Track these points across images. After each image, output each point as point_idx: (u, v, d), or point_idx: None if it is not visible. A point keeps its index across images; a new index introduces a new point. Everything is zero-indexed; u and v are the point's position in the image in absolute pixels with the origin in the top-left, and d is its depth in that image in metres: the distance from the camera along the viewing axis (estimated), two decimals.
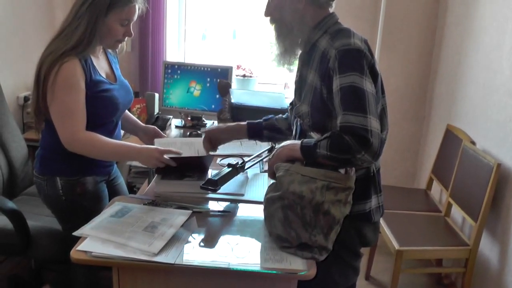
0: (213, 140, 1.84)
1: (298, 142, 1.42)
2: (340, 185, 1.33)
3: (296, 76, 1.63)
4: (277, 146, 1.50)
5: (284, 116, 1.86)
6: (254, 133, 1.85)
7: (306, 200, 1.31)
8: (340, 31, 1.48)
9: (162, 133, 2.06)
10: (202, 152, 1.84)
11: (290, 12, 1.51)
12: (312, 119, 1.50)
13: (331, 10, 1.55)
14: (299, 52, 1.59)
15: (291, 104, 1.77)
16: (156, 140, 1.94)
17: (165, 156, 1.68)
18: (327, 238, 1.34)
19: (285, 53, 1.57)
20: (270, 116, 1.87)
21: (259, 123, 1.86)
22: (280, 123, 1.84)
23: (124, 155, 1.78)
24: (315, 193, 1.31)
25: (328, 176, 1.33)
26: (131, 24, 1.77)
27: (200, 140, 1.86)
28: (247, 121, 1.87)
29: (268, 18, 1.57)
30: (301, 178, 1.34)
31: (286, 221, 1.36)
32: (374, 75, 1.42)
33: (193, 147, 1.90)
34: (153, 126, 2.08)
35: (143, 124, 2.11)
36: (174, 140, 1.95)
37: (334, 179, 1.33)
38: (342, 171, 1.37)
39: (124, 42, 1.84)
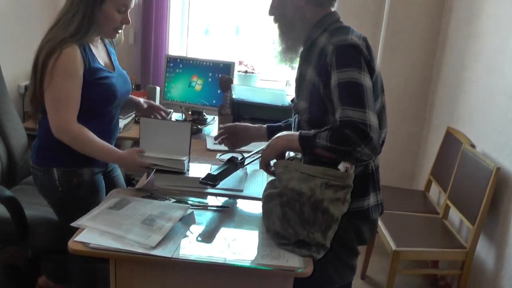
0: (232, 137, 1.88)
1: (295, 132, 1.43)
2: (339, 183, 1.33)
3: (297, 73, 1.64)
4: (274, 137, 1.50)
5: None
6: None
7: (305, 197, 1.31)
8: (339, 29, 1.50)
9: (161, 106, 2.11)
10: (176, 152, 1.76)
11: (291, 9, 1.54)
12: (310, 115, 1.51)
13: (333, 9, 1.57)
14: (301, 49, 1.60)
15: (292, 101, 1.78)
16: (142, 119, 1.82)
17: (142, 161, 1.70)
18: (325, 236, 1.34)
19: (287, 50, 1.60)
20: (290, 119, 1.88)
21: (279, 126, 1.86)
22: None
23: (106, 157, 1.78)
24: (314, 191, 1.31)
25: (327, 174, 1.33)
26: (128, 11, 1.78)
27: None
28: (267, 124, 1.88)
29: (272, 17, 1.61)
30: (300, 176, 1.34)
31: (284, 218, 1.36)
32: (370, 72, 1.44)
33: (170, 150, 1.77)
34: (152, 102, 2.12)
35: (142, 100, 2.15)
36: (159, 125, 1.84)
37: (333, 177, 1.33)
38: (342, 168, 1.37)
39: (122, 33, 1.84)
